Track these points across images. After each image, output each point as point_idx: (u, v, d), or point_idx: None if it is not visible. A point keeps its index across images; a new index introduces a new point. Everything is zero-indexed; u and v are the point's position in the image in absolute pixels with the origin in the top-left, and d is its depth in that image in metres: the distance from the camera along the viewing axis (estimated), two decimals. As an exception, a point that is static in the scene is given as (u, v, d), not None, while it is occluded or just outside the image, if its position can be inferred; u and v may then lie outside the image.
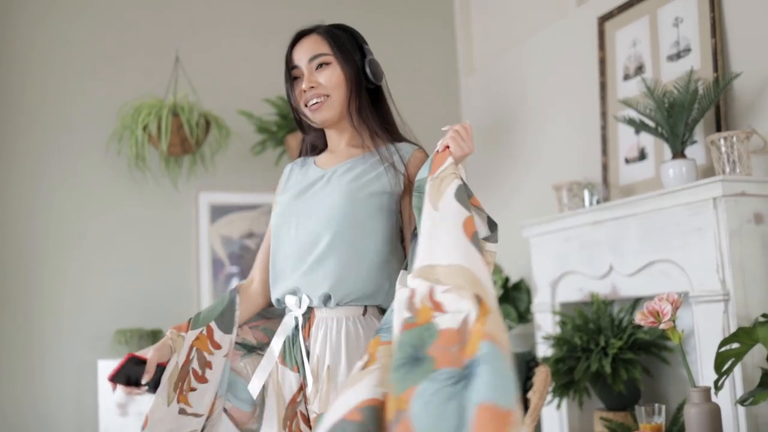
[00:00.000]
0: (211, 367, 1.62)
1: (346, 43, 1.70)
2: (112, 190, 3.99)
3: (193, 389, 1.62)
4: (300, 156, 1.86)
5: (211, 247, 4.16)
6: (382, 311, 1.62)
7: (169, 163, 3.88)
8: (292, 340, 1.63)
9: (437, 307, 1.23)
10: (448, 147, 1.62)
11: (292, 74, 1.69)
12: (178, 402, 1.60)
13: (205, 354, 1.63)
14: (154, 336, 3.69)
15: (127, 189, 4.00)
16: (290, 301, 1.65)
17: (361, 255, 1.59)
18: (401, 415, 1.11)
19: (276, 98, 3.82)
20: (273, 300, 1.71)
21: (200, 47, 4.20)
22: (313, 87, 1.65)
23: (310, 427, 1.60)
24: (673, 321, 2.15)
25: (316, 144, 1.84)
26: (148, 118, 3.63)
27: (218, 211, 4.19)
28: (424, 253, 1.34)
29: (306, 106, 1.68)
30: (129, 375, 1.57)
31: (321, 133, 1.81)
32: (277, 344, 1.64)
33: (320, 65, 1.67)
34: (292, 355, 1.62)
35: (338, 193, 1.61)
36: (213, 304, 1.72)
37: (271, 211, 1.81)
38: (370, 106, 1.73)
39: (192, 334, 1.64)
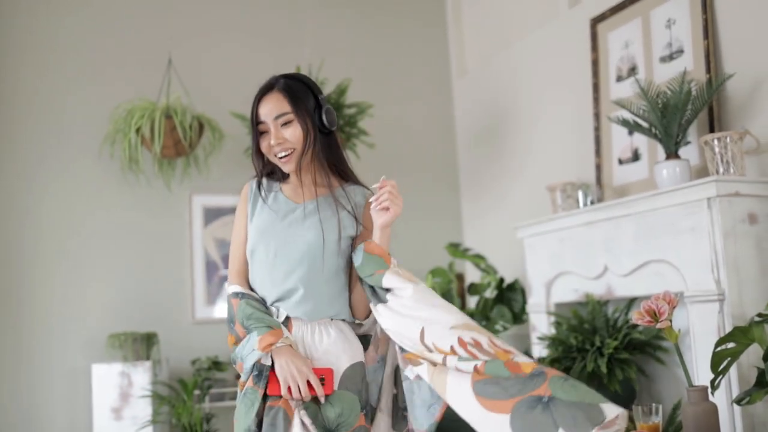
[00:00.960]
0: None
1: (304, 99, 1.93)
2: (105, 192, 3.98)
3: None
4: (259, 177, 2.07)
5: (204, 249, 4.15)
6: (342, 319, 1.98)
7: (163, 165, 3.86)
8: None
9: (509, 351, 1.71)
10: (387, 209, 1.89)
11: (258, 128, 1.95)
12: None
13: None
14: (148, 339, 3.68)
15: (120, 192, 3.98)
16: (271, 310, 1.93)
17: (326, 285, 1.92)
18: (543, 372, 1.64)
19: (269, 100, 3.81)
20: None
21: (193, 50, 4.20)
22: (280, 143, 1.91)
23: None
24: (670, 320, 2.16)
25: (274, 170, 2.07)
26: (141, 120, 3.62)
27: (212, 214, 4.18)
28: (448, 313, 1.80)
29: (275, 156, 1.94)
30: None
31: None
32: None
33: (285, 123, 1.91)
34: None
35: (311, 234, 1.90)
36: (258, 308, 1.91)
37: (238, 219, 2.05)
38: (325, 150, 1.98)
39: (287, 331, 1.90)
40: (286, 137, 1.90)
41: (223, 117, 3.97)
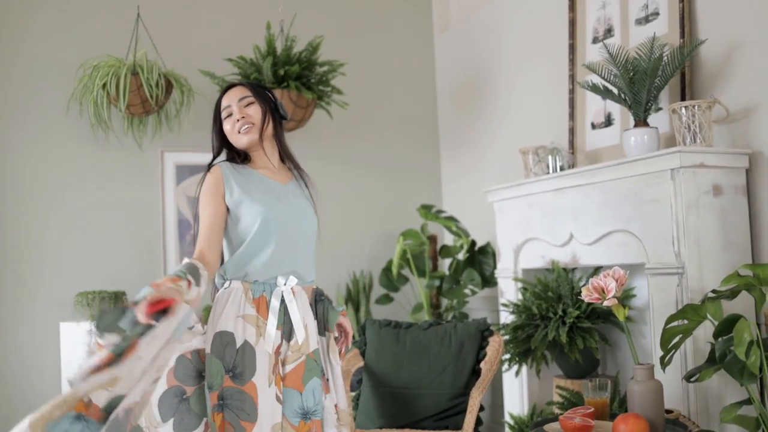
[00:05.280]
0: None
1: (261, 92, 2.34)
2: (76, 151, 3.92)
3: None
4: (215, 154, 2.34)
5: (177, 207, 4.11)
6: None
7: (133, 123, 3.80)
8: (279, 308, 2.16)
9: None
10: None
11: (221, 115, 2.29)
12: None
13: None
14: (117, 298, 3.66)
15: (91, 150, 3.93)
16: (281, 280, 2.17)
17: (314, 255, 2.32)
18: None
19: (238, 58, 3.72)
20: (252, 277, 2.16)
21: (162, 5, 4.09)
22: (243, 117, 2.27)
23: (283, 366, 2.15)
24: (617, 298, 2.12)
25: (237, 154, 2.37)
26: (107, 77, 3.54)
27: (184, 171, 4.13)
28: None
29: (239, 132, 2.26)
30: None
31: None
32: (272, 324, 2.13)
33: (247, 104, 2.28)
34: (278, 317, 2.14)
35: (310, 209, 2.30)
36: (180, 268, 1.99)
37: (224, 196, 2.22)
38: (278, 133, 2.36)
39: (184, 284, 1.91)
40: (248, 113, 2.27)
41: (193, 74, 3.89)
